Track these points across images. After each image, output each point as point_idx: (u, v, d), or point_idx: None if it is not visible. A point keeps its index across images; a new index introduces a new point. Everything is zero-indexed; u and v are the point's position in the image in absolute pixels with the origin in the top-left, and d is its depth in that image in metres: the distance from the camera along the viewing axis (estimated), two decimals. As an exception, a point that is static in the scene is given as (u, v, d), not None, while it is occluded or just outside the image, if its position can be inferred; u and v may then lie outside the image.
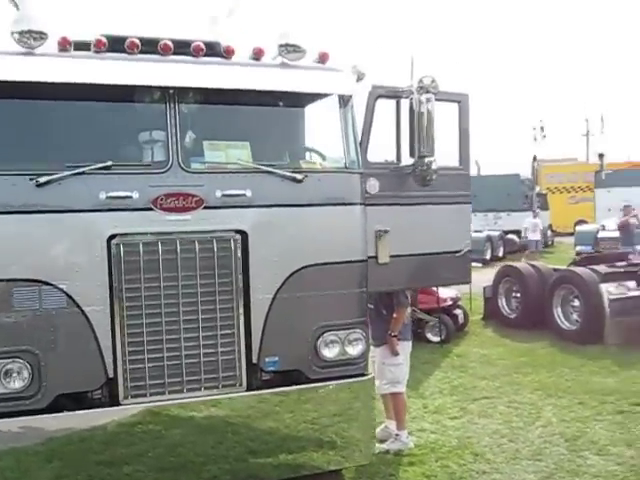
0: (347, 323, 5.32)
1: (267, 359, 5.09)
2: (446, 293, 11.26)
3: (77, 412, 4.61)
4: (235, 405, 5.00)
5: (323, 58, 5.42)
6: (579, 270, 10.65)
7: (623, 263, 11.30)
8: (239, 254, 4.95)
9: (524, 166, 31.90)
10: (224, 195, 4.90)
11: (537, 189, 28.61)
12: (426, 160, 5.61)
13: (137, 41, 4.87)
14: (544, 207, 27.51)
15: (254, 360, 5.04)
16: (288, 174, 5.07)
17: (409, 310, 6.60)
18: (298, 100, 5.55)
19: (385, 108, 5.84)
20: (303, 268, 5.13)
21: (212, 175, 4.95)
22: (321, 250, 5.20)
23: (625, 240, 15.75)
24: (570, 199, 32.84)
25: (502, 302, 12.28)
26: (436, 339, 10.75)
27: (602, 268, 10.57)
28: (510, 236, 24.95)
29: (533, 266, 12.18)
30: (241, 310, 4.98)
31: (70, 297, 4.58)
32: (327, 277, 5.21)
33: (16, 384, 4.52)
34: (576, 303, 10.63)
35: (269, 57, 5.35)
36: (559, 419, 7.06)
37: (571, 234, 26.77)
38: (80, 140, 4.92)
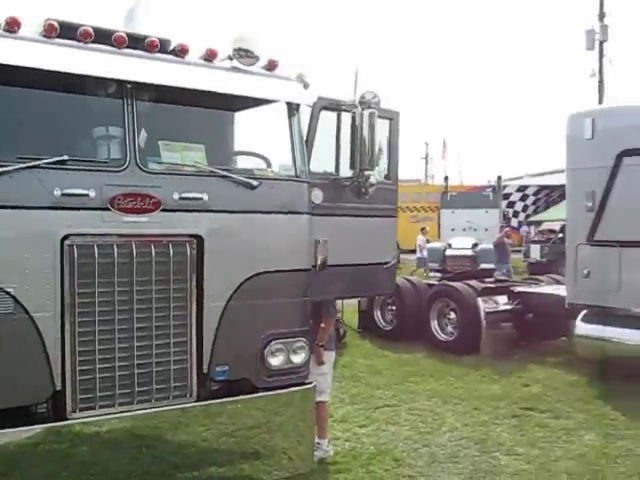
0: (292, 332, 5.31)
1: (218, 368, 4.95)
2: (329, 305, 11.46)
3: (21, 428, 4.21)
4: (185, 416, 4.81)
5: (272, 65, 5.40)
6: (457, 285, 11.33)
7: (492, 279, 12.23)
8: (195, 260, 4.81)
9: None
10: (181, 198, 4.72)
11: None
12: (365, 173, 5.78)
13: (91, 30, 4.60)
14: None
15: (205, 370, 4.90)
16: (244, 179, 5.00)
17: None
18: (251, 106, 5.48)
19: (326, 120, 5.95)
20: (255, 276, 5.06)
21: (169, 177, 4.76)
22: (272, 258, 5.17)
23: (500, 258, 17.00)
24: (412, 218, 34.70)
25: (377, 314, 12.71)
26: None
27: (476, 283, 11.34)
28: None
29: (408, 280, 12.77)
30: (194, 318, 4.83)
31: (18, 302, 4.18)
32: (276, 285, 5.19)
33: None
34: (452, 316, 11.30)
35: (219, 59, 5.26)
36: (462, 424, 7.47)
37: (413, 251, 28.27)
38: (31, 131, 4.55)
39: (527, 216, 32.51)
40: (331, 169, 6.04)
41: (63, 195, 4.30)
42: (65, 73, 4.38)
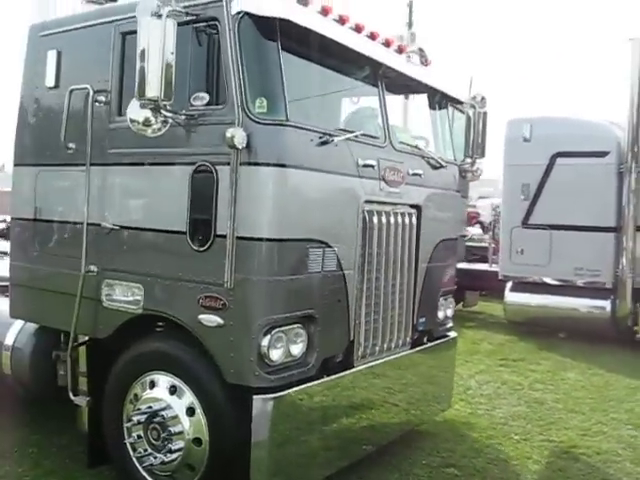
0: (449, 290, 6.36)
1: (421, 320, 5.82)
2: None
3: (342, 374, 4.82)
4: (406, 362, 5.62)
5: (427, 63, 6.33)
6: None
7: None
8: (416, 227, 5.62)
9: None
10: (413, 174, 5.52)
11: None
12: (477, 161, 6.96)
13: (346, 15, 5.13)
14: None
15: (415, 321, 5.73)
16: (440, 161, 5.92)
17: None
18: (438, 100, 6.32)
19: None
20: (440, 242, 6.01)
21: (405, 154, 5.51)
22: (448, 228, 6.16)
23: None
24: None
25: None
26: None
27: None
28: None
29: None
30: (413, 276, 5.64)
31: (338, 260, 4.71)
32: (447, 250, 6.19)
33: (297, 350, 4.49)
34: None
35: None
36: (473, 372, 8.95)
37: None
38: (329, 104, 5.00)
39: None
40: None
41: (363, 165, 4.89)
42: (358, 53, 4.92)
